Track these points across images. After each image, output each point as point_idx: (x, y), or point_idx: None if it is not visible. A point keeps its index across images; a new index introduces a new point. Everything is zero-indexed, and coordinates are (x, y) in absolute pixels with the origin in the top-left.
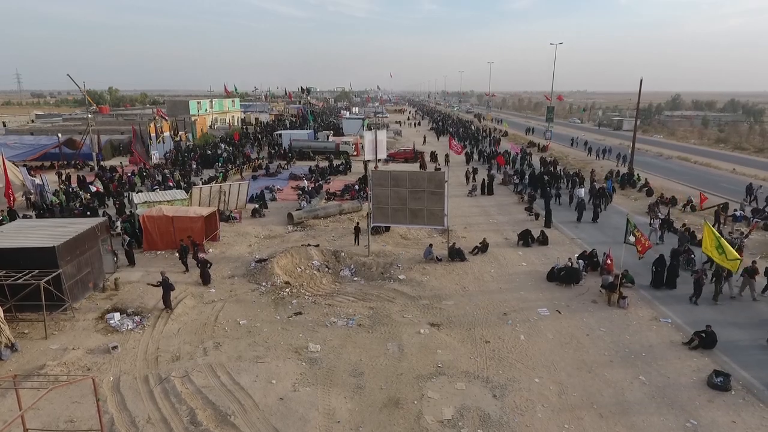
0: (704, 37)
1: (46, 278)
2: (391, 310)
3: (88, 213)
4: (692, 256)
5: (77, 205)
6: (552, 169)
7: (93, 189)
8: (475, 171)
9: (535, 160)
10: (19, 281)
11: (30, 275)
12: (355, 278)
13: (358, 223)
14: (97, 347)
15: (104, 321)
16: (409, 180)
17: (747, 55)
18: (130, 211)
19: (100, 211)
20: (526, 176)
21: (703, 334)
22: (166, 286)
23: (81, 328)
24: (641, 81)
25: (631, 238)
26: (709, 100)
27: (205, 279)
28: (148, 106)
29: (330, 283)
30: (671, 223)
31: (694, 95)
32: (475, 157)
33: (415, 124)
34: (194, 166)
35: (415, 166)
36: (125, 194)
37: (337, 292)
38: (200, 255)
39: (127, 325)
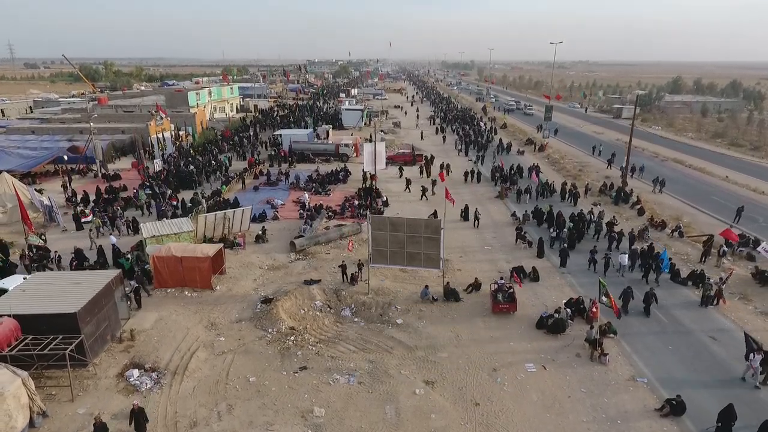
0: (710, 4)
1: (70, 347)
2: (389, 364)
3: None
4: None
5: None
6: (575, 202)
7: (39, 240)
8: (477, 216)
9: (550, 176)
10: (45, 351)
11: (54, 342)
12: (356, 319)
13: (343, 262)
14: (121, 411)
15: (124, 378)
16: (407, 225)
17: (754, 24)
18: (140, 241)
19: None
20: (544, 216)
21: (674, 402)
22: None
23: (104, 387)
24: (636, 106)
25: (604, 299)
26: (710, 82)
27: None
28: (144, 86)
29: (332, 324)
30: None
31: (699, 66)
32: (485, 172)
33: (416, 113)
34: (168, 193)
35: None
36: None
37: (338, 336)
38: (135, 402)
39: (146, 384)
